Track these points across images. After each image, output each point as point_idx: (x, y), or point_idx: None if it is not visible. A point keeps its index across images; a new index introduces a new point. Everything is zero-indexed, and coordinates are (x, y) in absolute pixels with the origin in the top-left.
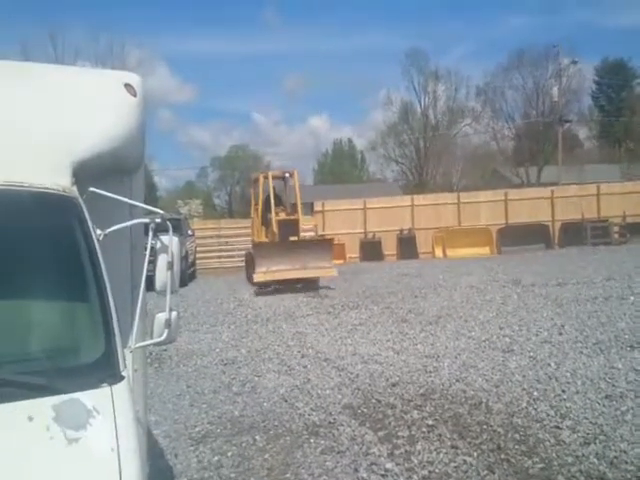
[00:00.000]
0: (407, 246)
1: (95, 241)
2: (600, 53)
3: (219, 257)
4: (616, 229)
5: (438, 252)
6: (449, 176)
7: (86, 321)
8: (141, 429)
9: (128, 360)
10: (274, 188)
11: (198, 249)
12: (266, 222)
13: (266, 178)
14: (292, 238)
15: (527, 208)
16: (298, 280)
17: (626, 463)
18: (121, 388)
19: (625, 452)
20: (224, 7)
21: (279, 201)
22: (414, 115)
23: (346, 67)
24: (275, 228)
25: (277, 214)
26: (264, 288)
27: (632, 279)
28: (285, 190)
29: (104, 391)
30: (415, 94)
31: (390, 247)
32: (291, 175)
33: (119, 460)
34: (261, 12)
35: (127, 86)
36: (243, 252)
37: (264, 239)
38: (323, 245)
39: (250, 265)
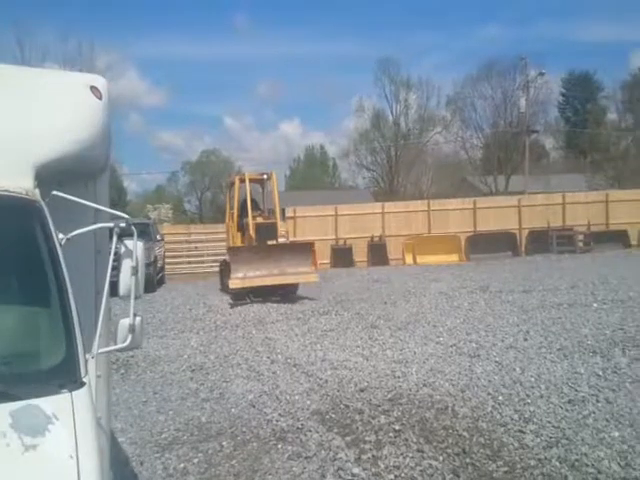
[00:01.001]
0: (378, 253)
1: (57, 245)
2: (566, 66)
3: (189, 262)
4: (580, 238)
5: (408, 259)
6: (420, 184)
7: (47, 326)
8: (103, 436)
9: (90, 366)
10: (250, 192)
11: (167, 254)
12: (242, 227)
13: (242, 181)
14: (270, 242)
15: (495, 216)
16: (276, 288)
17: (587, 466)
18: (82, 394)
19: (586, 455)
20: (197, 11)
21: (256, 205)
22: (386, 123)
23: (319, 74)
24: (252, 231)
25: (254, 218)
26: (239, 300)
27: (596, 287)
28: (263, 194)
29: (64, 397)
30: (387, 102)
31: (361, 254)
32: (269, 177)
33: (78, 467)
34: (234, 17)
35: (92, 88)
36: (213, 257)
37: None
38: (303, 249)
39: (225, 273)
